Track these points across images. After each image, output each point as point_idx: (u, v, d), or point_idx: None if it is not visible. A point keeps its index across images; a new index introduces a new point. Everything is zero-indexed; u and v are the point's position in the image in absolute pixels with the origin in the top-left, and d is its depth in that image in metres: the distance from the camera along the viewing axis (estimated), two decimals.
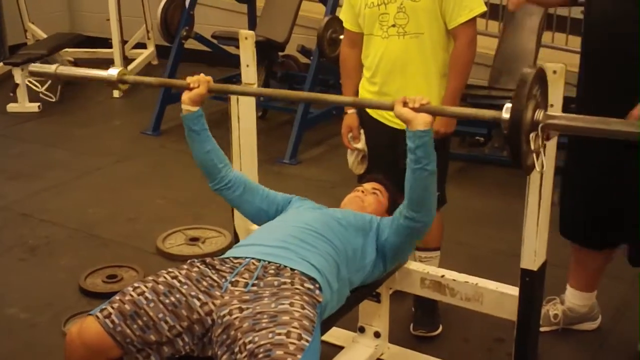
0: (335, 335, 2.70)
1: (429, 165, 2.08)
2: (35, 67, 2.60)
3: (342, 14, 2.93)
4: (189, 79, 2.34)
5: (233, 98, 2.67)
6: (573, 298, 2.93)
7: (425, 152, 2.06)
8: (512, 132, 1.78)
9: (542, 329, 2.89)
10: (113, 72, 2.45)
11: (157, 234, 3.79)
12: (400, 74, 2.74)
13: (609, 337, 2.95)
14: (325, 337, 2.25)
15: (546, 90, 1.93)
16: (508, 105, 1.79)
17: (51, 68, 2.54)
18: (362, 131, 2.94)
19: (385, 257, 2.31)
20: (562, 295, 2.96)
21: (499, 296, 2.37)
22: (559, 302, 2.95)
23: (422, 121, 2.03)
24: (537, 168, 1.87)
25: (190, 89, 2.34)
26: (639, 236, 2.62)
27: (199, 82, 2.33)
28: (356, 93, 2.94)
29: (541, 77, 1.88)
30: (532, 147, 1.82)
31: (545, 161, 1.89)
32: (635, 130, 1.75)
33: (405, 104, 2.04)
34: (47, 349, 2.85)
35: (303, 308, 1.90)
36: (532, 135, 1.81)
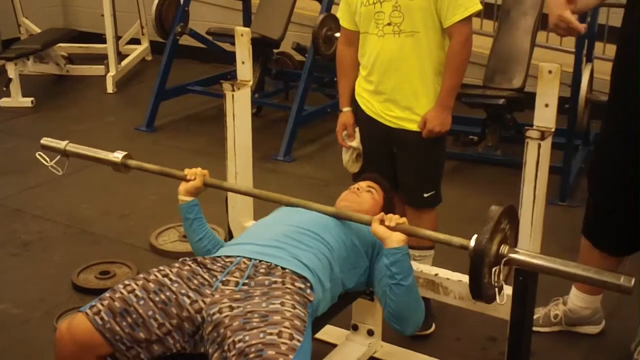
0: (328, 333, 2.70)
1: (405, 280, 2.13)
2: (47, 141, 2.84)
3: (339, 12, 2.93)
4: (187, 171, 2.47)
5: (228, 95, 2.67)
6: (576, 299, 2.92)
7: (400, 269, 2.12)
8: (473, 264, 1.87)
9: (543, 330, 2.94)
10: (118, 155, 2.68)
11: (150, 230, 3.78)
12: (396, 72, 2.74)
13: (602, 338, 2.96)
14: (318, 335, 2.26)
15: (516, 225, 2.02)
16: (475, 236, 1.87)
17: (61, 144, 2.78)
18: (357, 129, 2.94)
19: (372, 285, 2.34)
20: (565, 297, 2.96)
21: None
22: (562, 302, 2.96)
23: (395, 239, 2.11)
24: (498, 301, 1.93)
25: (187, 181, 2.45)
26: None
27: (195, 175, 2.45)
28: (352, 91, 2.94)
29: (511, 213, 1.96)
30: (493, 280, 1.89)
31: (505, 295, 1.95)
32: (596, 276, 1.81)
33: (382, 222, 2.12)
34: (40, 345, 2.84)
35: (294, 308, 1.90)
36: (494, 269, 1.89)
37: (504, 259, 1.89)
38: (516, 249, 1.94)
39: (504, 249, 1.90)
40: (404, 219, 2.15)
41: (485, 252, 1.85)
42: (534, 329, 2.86)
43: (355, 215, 2.28)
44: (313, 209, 2.30)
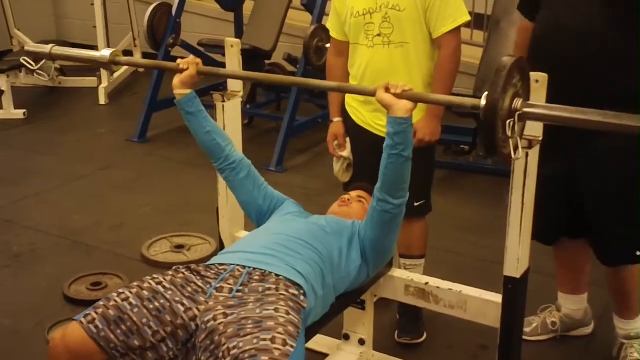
0: (319, 342, 2.70)
1: (405, 151, 2.10)
2: (31, 47, 2.65)
3: (329, 22, 2.96)
4: (179, 61, 2.40)
5: (219, 106, 2.68)
6: (567, 303, 2.95)
7: (403, 139, 2.08)
8: (487, 118, 1.78)
9: (541, 338, 2.95)
10: (105, 52, 2.50)
11: (142, 241, 3.78)
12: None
13: (592, 341, 2.98)
14: (309, 344, 2.26)
15: (527, 80, 1.93)
16: (486, 93, 1.80)
17: (46, 48, 2.58)
18: (347, 139, 2.95)
19: (367, 257, 2.31)
20: (557, 303, 2.98)
21: (482, 303, 2.38)
22: (555, 309, 2.98)
23: (402, 107, 2.05)
24: (514, 156, 1.87)
25: (181, 71, 2.39)
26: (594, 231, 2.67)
27: (188, 64, 2.39)
28: (342, 102, 2.96)
29: (521, 67, 1.87)
30: (509, 134, 1.82)
31: (522, 150, 1.88)
32: (612, 121, 1.75)
33: (387, 90, 2.06)
34: (31, 357, 2.84)
35: (288, 314, 1.91)
36: (509, 122, 1.81)
37: (518, 113, 1.81)
38: (530, 102, 1.86)
39: (517, 102, 1.82)
40: (410, 86, 2.07)
41: (498, 104, 1.76)
42: (533, 338, 2.91)
43: (360, 87, 2.20)
44: (314, 86, 2.19)
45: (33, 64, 2.29)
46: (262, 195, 2.48)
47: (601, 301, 3.07)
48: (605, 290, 2.86)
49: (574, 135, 2.48)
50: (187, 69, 2.38)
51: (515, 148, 1.86)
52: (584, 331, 3.00)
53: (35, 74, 2.67)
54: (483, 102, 1.80)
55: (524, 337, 2.76)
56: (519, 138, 1.87)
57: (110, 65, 2.51)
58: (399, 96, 2.05)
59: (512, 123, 1.81)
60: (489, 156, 4.68)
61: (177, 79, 2.39)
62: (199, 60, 2.40)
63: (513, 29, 4.64)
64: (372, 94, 2.11)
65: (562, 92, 2.25)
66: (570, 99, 2.24)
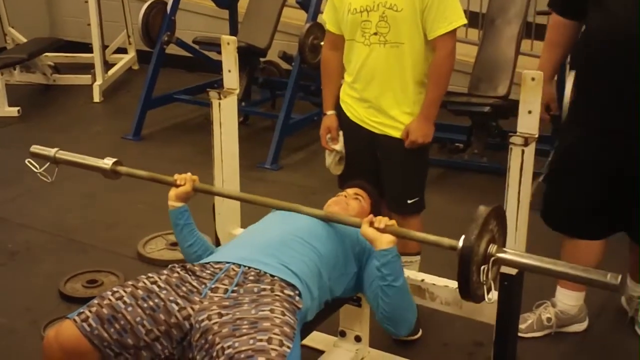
0: (316, 339, 2.71)
1: (396, 281, 2.15)
2: (36, 148, 2.84)
3: (325, 15, 2.95)
4: (177, 177, 2.47)
5: (215, 103, 2.68)
6: (564, 298, 2.98)
7: (391, 269, 2.14)
8: (463, 263, 1.88)
9: (537, 334, 2.97)
10: (107, 162, 2.68)
11: (137, 238, 3.78)
12: (379, 81, 2.77)
13: (588, 338, 3.00)
14: (305, 342, 2.26)
15: (504, 226, 2.03)
16: (463, 236, 1.88)
17: (51, 152, 2.78)
18: (340, 133, 2.96)
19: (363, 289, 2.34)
20: (552, 299, 3.00)
21: None
22: (550, 305, 3.00)
23: (385, 241, 2.13)
24: (486, 300, 1.95)
25: (177, 186, 2.45)
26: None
27: (185, 180, 2.45)
28: (337, 95, 2.96)
29: (499, 214, 1.98)
30: (482, 279, 1.90)
31: (494, 295, 1.97)
32: (580, 274, 1.84)
33: (371, 224, 2.14)
34: (26, 354, 2.84)
35: (283, 314, 1.91)
36: (483, 268, 1.90)
37: (492, 258, 1.90)
38: (504, 249, 1.95)
39: (492, 248, 1.91)
40: (393, 221, 2.17)
41: (473, 250, 1.86)
42: (529, 335, 2.94)
43: (345, 217, 2.30)
44: (303, 213, 2.31)
45: (37, 166, 2.35)
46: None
47: (598, 298, 3.08)
48: (600, 290, 2.86)
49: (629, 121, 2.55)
50: (183, 185, 2.43)
51: (489, 291, 1.94)
52: (579, 327, 3.02)
53: (39, 175, 2.67)
54: (460, 244, 1.89)
55: (519, 334, 2.78)
56: (492, 282, 1.95)
57: (111, 174, 2.69)
58: (382, 231, 2.13)
59: (485, 269, 1.90)
60: (483, 154, 4.70)
61: (172, 192, 2.46)
62: (195, 177, 2.47)
63: (508, 27, 4.67)
64: (358, 225, 2.20)
65: (622, 97, 2.37)
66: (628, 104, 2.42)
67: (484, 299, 1.95)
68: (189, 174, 2.48)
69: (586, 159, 2.70)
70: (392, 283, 2.14)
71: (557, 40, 2.80)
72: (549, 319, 2.97)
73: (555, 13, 2.79)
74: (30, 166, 2.69)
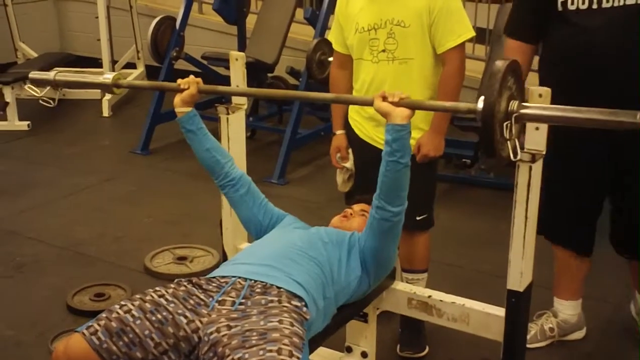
0: (322, 354, 2.70)
1: (403, 158, 2.12)
2: (35, 74, 2.66)
3: (331, 35, 2.97)
4: (180, 81, 2.41)
5: (223, 118, 2.69)
6: (564, 309, 3.01)
7: (401, 145, 2.10)
8: (485, 122, 1.80)
9: (540, 344, 2.99)
10: (108, 76, 2.53)
11: (144, 252, 3.79)
12: None
13: (588, 345, 3.03)
14: (312, 357, 2.26)
15: (522, 82, 1.95)
16: (483, 97, 1.82)
17: (50, 75, 2.60)
18: (350, 151, 2.97)
19: (368, 267, 2.31)
20: (552, 309, 3.02)
21: (485, 317, 2.38)
22: (552, 314, 3.02)
23: (400, 114, 2.08)
24: (512, 157, 1.89)
25: (181, 91, 2.40)
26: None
27: (189, 83, 2.40)
28: (345, 115, 2.97)
29: (514, 70, 1.90)
30: (507, 136, 1.84)
31: (520, 150, 1.90)
32: (609, 118, 1.77)
33: (384, 99, 2.09)
34: None
35: (292, 325, 1.92)
36: (506, 124, 1.83)
37: (515, 115, 1.84)
38: (525, 104, 1.88)
39: (513, 104, 1.85)
40: (407, 94, 2.11)
41: (495, 108, 1.78)
42: (533, 345, 2.95)
43: (356, 98, 2.25)
44: (313, 98, 2.25)
45: (37, 91, 2.32)
46: (262, 211, 2.49)
47: (604, 317, 3.08)
48: (608, 305, 2.87)
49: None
50: (187, 89, 2.40)
51: (514, 150, 1.88)
52: (579, 335, 3.05)
53: (40, 101, 2.67)
54: (480, 105, 1.82)
55: None
56: (517, 140, 1.89)
57: (112, 88, 2.54)
58: (396, 104, 2.08)
59: (509, 125, 1.84)
60: (490, 170, 4.70)
61: (178, 98, 2.42)
62: (199, 79, 2.42)
63: None
64: (370, 103, 2.14)
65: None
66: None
67: (510, 156, 1.87)
68: (192, 76, 2.43)
69: (570, 175, 2.75)
70: (400, 159, 2.11)
71: (525, 65, 2.76)
72: (551, 329, 2.99)
73: (513, 39, 2.81)
74: (31, 91, 2.67)
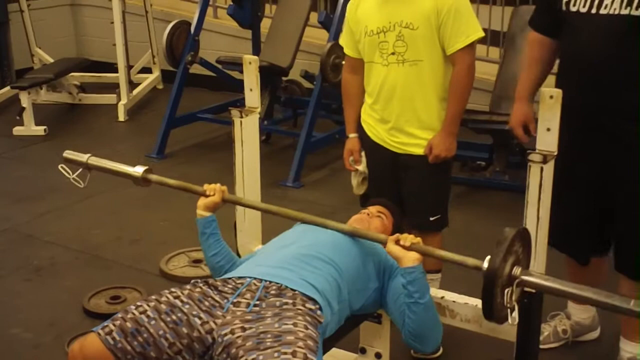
0: (336, 356, 2.71)
1: (422, 298, 2.17)
2: (69, 154, 2.85)
3: (342, 40, 2.99)
4: (206, 187, 2.51)
5: (237, 122, 2.71)
6: (578, 312, 3.00)
7: (417, 287, 2.16)
8: (487, 284, 1.89)
9: (553, 345, 2.99)
10: (139, 169, 2.70)
11: (160, 255, 3.82)
12: (400, 100, 2.79)
13: (601, 346, 3.02)
14: (326, 358, 2.27)
15: (528, 248, 2.04)
16: (488, 257, 1.90)
17: (83, 157, 2.80)
18: (363, 154, 2.98)
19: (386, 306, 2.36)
20: (566, 310, 3.02)
21: None
22: (565, 317, 3.01)
23: (411, 258, 2.16)
24: (510, 322, 1.95)
25: (206, 196, 2.48)
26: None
27: (215, 191, 2.49)
28: (358, 117, 2.99)
29: (523, 236, 1.99)
30: (506, 301, 1.91)
31: (518, 316, 1.96)
32: (604, 300, 1.83)
33: (397, 242, 2.16)
34: None
35: (307, 328, 1.93)
36: (507, 291, 1.91)
37: (517, 280, 1.91)
38: (529, 271, 1.96)
39: (517, 270, 1.92)
40: (418, 239, 2.19)
41: (498, 273, 1.87)
42: (545, 346, 2.93)
43: (370, 234, 2.32)
44: (329, 227, 2.33)
45: (70, 172, 2.40)
46: None
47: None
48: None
49: (607, 135, 2.55)
50: (212, 195, 2.47)
51: (512, 312, 1.95)
52: (592, 335, 3.05)
53: (72, 180, 2.73)
54: (485, 265, 1.91)
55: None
56: (515, 304, 1.95)
57: (142, 181, 2.70)
58: (407, 248, 2.15)
59: (509, 291, 1.92)
60: (505, 172, 4.69)
61: (201, 202, 2.51)
62: (224, 187, 2.51)
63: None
64: (383, 242, 2.22)
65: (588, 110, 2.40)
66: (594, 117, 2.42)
67: (507, 320, 1.95)
68: (219, 184, 2.51)
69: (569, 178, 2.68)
70: (419, 300, 2.16)
71: (537, 57, 2.79)
72: (564, 331, 2.99)
73: (534, 30, 2.80)
74: (63, 172, 2.73)
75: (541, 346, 2.85)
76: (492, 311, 1.91)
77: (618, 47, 2.49)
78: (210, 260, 2.51)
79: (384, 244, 2.20)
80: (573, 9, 2.57)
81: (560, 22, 2.65)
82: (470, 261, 2.03)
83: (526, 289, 2.20)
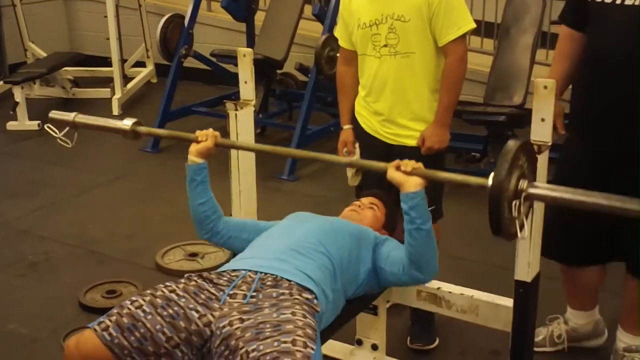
0: (332, 347, 2.72)
1: (424, 224, 2.15)
2: (55, 114, 2.76)
3: (337, 32, 3.00)
4: (198, 133, 2.45)
5: (232, 114, 2.71)
6: (574, 318, 2.94)
7: (418, 213, 2.14)
8: (493, 199, 1.84)
9: (547, 350, 2.93)
10: (127, 122, 2.62)
11: (156, 249, 3.82)
12: (392, 92, 2.79)
13: (602, 354, 2.96)
14: (322, 350, 2.28)
15: (534, 161, 1.99)
16: (492, 173, 1.86)
17: (70, 116, 2.71)
18: (357, 145, 2.99)
19: (379, 279, 2.34)
20: (565, 315, 2.97)
21: (494, 308, 2.40)
22: (563, 321, 2.96)
23: (413, 183, 2.12)
24: (520, 235, 1.91)
25: (199, 142, 2.43)
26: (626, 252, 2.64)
27: (207, 136, 2.43)
28: (353, 109, 2.99)
29: (528, 149, 1.94)
30: (515, 214, 1.87)
31: (528, 228, 1.91)
32: (615, 204, 1.78)
33: (398, 168, 2.13)
34: None
35: (305, 317, 1.94)
36: (514, 203, 1.86)
37: (524, 194, 1.85)
38: (535, 184, 1.90)
39: (523, 183, 1.86)
40: (419, 164, 2.15)
41: (504, 186, 1.81)
42: (540, 349, 2.87)
43: (371, 163, 2.31)
44: (328, 161, 2.37)
45: (57, 131, 2.36)
46: (253, 234, 2.46)
47: (612, 312, 3.07)
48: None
49: (622, 119, 2.49)
50: (205, 141, 2.42)
51: (521, 227, 1.90)
52: (596, 342, 2.97)
53: (58, 140, 2.70)
54: (489, 182, 1.85)
55: None
56: (524, 217, 1.91)
57: (131, 134, 2.62)
58: (408, 173, 2.12)
59: (517, 204, 1.86)
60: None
61: (194, 148, 2.45)
62: (217, 133, 2.44)
63: (522, 37, 4.68)
64: (384, 170, 2.17)
65: (607, 117, 2.34)
66: (614, 122, 2.38)
67: (517, 235, 1.90)
68: (211, 129, 2.45)
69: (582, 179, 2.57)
70: (421, 226, 2.14)
71: (566, 52, 2.73)
72: (559, 336, 2.93)
73: (564, 25, 2.75)
74: (50, 131, 2.69)
75: (535, 349, 2.85)
76: (500, 227, 1.85)
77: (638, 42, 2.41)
78: (197, 209, 2.44)
79: (385, 172, 2.16)
80: None
81: (586, 15, 2.58)
82: (473, 180, 1.98)
83: (518, 274, 2.21)
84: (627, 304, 2.79)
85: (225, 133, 2.80)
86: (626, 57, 2.45)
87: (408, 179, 2.11)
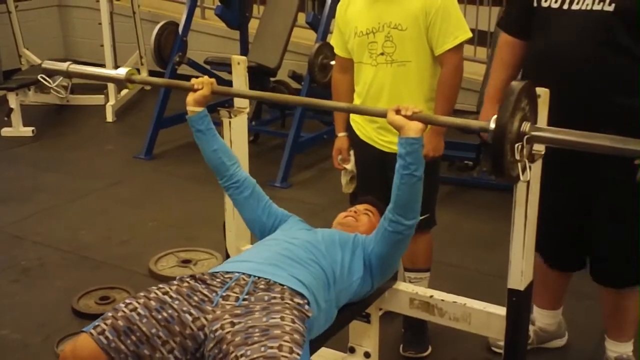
0: (325, 355, 2.72)
1: (417, 171, 2.14)
2: (48, 64, 2.67)
3: (333, 40, 3.01)
4: (194, 81, 2.44)
5: (225, 122, 2.72)
6: (542, 318, 2.97)
7: (414, 159, 2.13)
8: (496, 141, 1.82)
9: None
10: (122, 71, 2.54)
11: (149, 256, 3.82)
12: (387, 100, 2.80)
13: (568, 352, 3.01)
14: (314, 357, 2.28)
15: (535, 104, 1.96)
16: (495, 116, 1.84)
17: (63, 65, 2.61)
18: (352, 153, 3.00)
19: (372, 270, 2.34)
20: (532, 316, 2.98)
21: (486, 316, 2.40)
22: (530, 322, 2.96)
23: (413, 128, 2.10)
24: (522, 178, 1.90)
25: (195, 91, 2.43)
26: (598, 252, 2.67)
27: (202, 84, 2.43)
28: (347, 117, 3.00)
29: (529, 92, 1.92)
30: (517, 157, 1.85)
31: (530, 172, 1.90)
32: (618, 145, 1.78)
33: (397, 112, 2.11)
34: None
35: (293, 322, 1.94)
36: (517, 146, 1.84)
37: (526, 136, 1.84)
38: (538, 126, 1.88)
39: (526, 126, 1.85)
40: (420, 108, 2.13)
41: (507, 128, 1.79)
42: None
43: (370, 109, 2.31)
44: (325, 106, 2.36)
45: (50, 81, 2.32)
46: (265, 213, 2.52)
47: (584, 312, 3.08)
48: (588, 299, 2.85)
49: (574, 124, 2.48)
50: (201, 89, 2.42)
51: (524, 170, 1.89)
52: (559, 343, 3.02)
53: (52, 91, 2.69)
54: (492, 125, 1.84)
55: (497, 350, 2.80)
56: (527, 160, 1.90)
57: (126, 82, 2.56)
58: (409, 118, 2.11)
59: (520, 146, 1.85)
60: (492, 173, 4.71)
61: (190, 97, 2.44)
62: (213, 80, 2.44)
63: None
64: (383, 115, 2.16)
65: (563, 110, 2.27)
66: (570, 116, 2.28)
67: (519, 179, 1.89)
68: (206, 77, 2.45)
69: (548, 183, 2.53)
70: (414, 172, 2.13)
71: (507, 60, 2.71)
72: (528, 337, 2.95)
73: (505, 33, 2.73)
74: (44, 82, 2.68)
75: (497, 350, 2.86)
76: (503, 169, 1.84)
77: (593, 45, 2.40)
78: (212, 157, 2.45)
79: (384, 115, 2.14)
80: (544, 4, 2.49)
81: (529, 22, 2.57)
82: (475, 123, 1.96)
83: (510, 282, 2.22)
84: (607, 312, 2.81)
85: None
86: (577, 62, 2.43)
87: (408, 122, 2.10)
